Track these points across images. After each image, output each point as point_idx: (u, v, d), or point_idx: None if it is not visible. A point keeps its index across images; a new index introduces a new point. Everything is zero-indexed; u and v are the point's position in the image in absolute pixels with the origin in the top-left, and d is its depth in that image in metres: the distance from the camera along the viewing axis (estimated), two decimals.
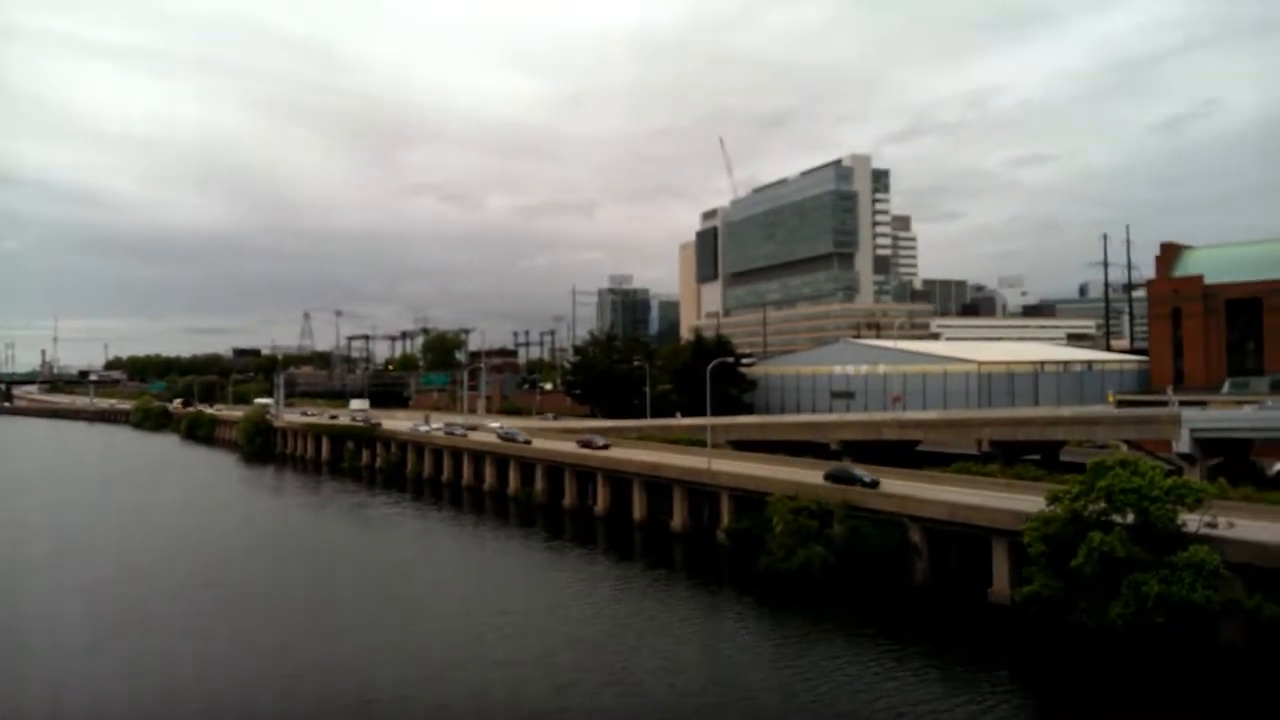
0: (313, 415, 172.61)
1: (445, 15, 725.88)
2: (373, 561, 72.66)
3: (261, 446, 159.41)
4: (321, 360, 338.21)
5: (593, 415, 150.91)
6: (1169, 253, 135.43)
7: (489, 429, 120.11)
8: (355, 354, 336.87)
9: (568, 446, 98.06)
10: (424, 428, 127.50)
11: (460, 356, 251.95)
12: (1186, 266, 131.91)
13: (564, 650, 46.53)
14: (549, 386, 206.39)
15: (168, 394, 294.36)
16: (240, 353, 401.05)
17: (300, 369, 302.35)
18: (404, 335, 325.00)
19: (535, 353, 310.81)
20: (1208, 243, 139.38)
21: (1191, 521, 44.58)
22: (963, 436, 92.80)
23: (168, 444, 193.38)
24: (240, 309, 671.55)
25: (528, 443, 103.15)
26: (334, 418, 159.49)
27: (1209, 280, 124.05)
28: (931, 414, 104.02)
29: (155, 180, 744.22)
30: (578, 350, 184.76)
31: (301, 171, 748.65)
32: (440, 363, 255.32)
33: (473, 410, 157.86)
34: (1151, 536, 43.59)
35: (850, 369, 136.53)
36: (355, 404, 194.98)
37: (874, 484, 65.87)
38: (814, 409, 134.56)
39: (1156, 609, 41.00)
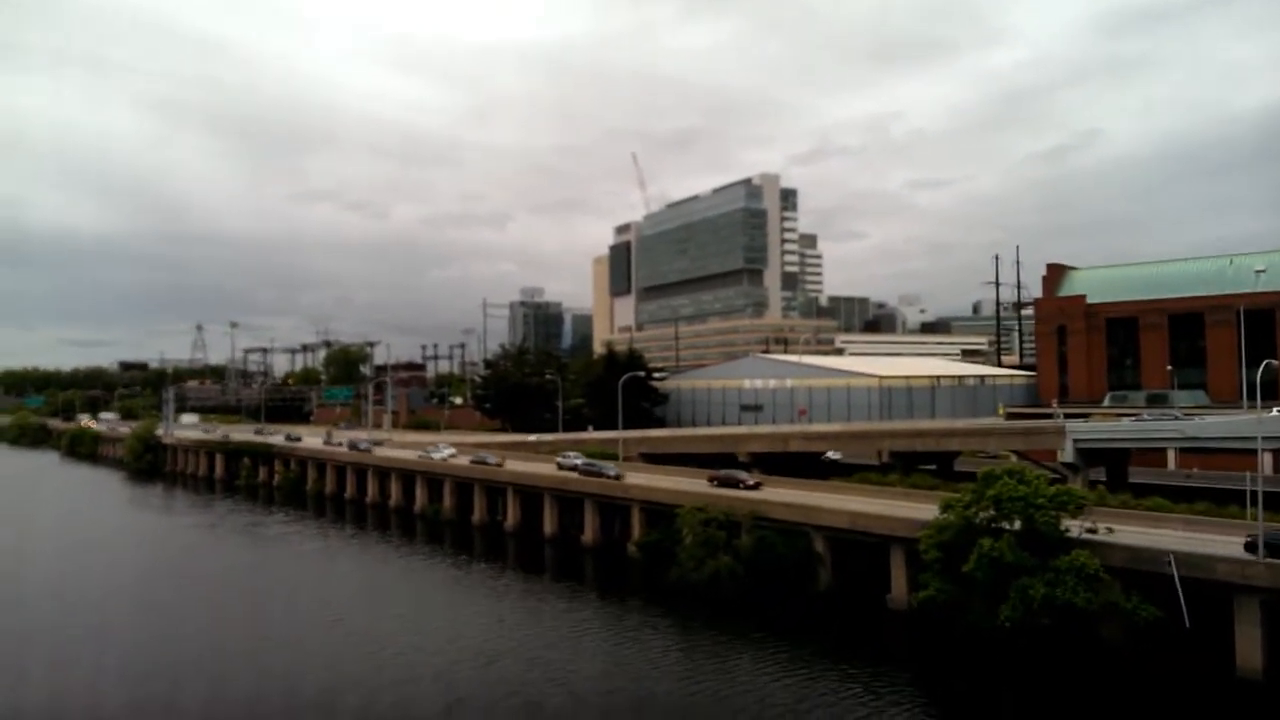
0: (208, 433, 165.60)
1: (344, 18, 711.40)
2: (265, 582, 70.07)
3: (150, 464, 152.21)
4: (216, 374, 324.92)
5: (503, 429, 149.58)
6: (1055, 274, 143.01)
7: (403, 444, 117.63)
8: (253, 367, 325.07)
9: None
10: (362, 443, 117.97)
11: (365, 370, 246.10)
12: (1071, 287, 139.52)
13: (462, 665, 45.95)
14: (458, 401, 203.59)
15: (46, 409, 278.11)
16: (127, 366, 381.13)
17: (193, 383, 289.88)
18: (305, 348, 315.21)
19: (444, 366, 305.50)
20: (1090, 264, 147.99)
21: (1074, 527, 47.14)
22: (865, 448, 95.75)
23: (46, 461, 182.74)
24: (124, 320, 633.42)
25: (500, 464, 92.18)
26: (260, 432, 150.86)
27: (1091, 300, 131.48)
28: (836, 426, 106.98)
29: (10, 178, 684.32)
30: (488, 364, 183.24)
31: (190, 175, 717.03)
32: (344, 377, 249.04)
33: (378, 425, 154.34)
34: (1037, 542, 45.89)
35: (759, 383, 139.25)
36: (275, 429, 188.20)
37: (755, 486, 70.54)
38: (724, 422, 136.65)
39: (1042, 611, 43.19)
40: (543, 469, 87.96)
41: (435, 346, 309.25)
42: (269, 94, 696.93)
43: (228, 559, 79.54)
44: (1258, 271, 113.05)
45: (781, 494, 68.24)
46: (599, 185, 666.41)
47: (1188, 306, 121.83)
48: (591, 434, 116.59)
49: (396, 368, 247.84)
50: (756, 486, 70.72)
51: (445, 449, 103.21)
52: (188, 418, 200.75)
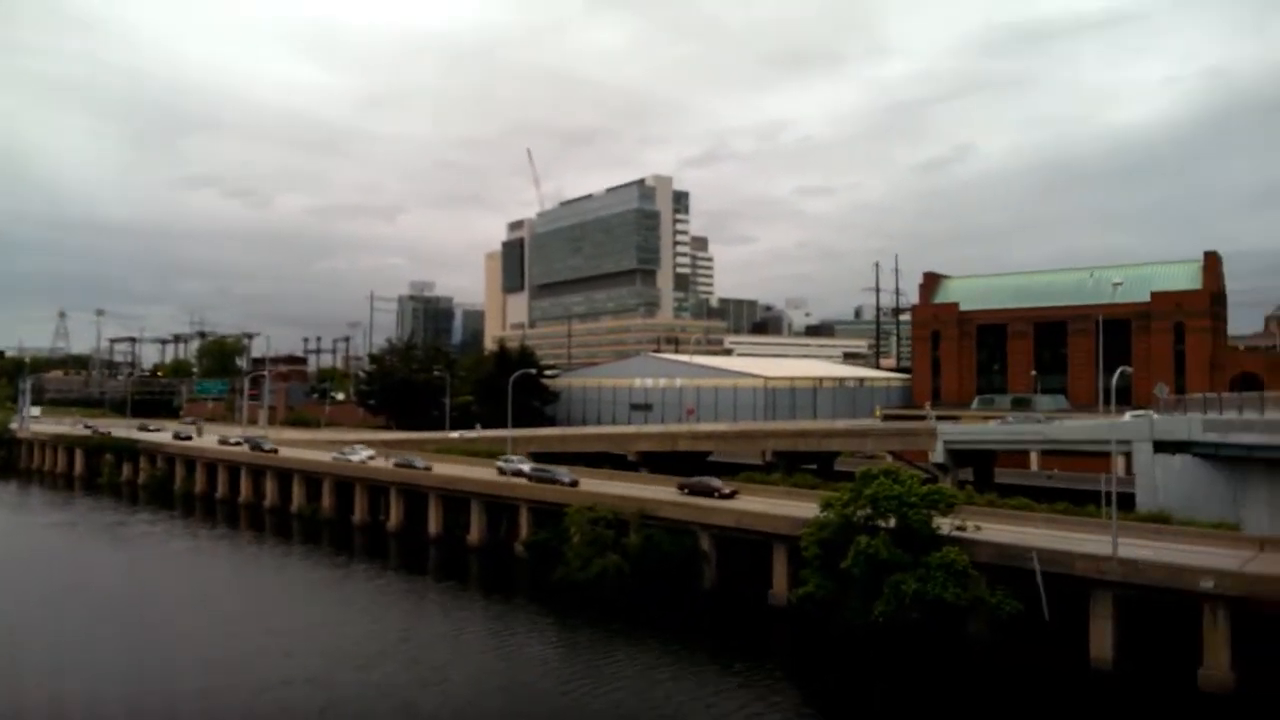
0: (72, 428, 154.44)
1: None
2: (126, 584, 65.81)
3: (3, 460, 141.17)
4: (80, 364, 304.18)
5: (388, 427, 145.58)
6: (930, 281, 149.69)
7: (293, 442, 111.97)
8: (119, 358, 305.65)
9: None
10: (266, 443, 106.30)
11: (241, 363, 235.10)
12: (946, 294, 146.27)
13: (338, 667, 44.48)
14: (341, 397, 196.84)
15: None
16: None
17: (55, 374, 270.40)
18: (177, 339, 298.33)
19: (327, 361, 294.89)
20: (964, 273, 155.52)
21: (945, 525, 49.22)
22: (750, 447, 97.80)
23: None
24: None
25: (428, 469, 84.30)
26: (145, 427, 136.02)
27: (964, 307, 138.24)
28: (722, 426, 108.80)
29: None
30: (374, 359, 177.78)
31: (52, 154, 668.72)
32: (218, 369, 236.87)
33: (253, 421, 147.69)
34: (911, 539, 47.70)
35: (649, 382, 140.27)
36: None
37: (731, 495, 65.81)
38: (614, 421, 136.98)
39: (913, 606, 44.90)
40: (475, 473, 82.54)
41: (318, 340, 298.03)
42: (153, 75, 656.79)
43: (90, 558, 74.42)
44: (1115, 284, 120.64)
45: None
46: (498, 180, 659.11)
47: (1052, 315, 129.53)
48: (480, 432, 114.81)
49: (276, 361, 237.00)
50: (732, 495, 65.85)
51: (363, 450, 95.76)
52: (39, 410, 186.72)
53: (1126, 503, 57.78)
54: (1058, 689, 42.01)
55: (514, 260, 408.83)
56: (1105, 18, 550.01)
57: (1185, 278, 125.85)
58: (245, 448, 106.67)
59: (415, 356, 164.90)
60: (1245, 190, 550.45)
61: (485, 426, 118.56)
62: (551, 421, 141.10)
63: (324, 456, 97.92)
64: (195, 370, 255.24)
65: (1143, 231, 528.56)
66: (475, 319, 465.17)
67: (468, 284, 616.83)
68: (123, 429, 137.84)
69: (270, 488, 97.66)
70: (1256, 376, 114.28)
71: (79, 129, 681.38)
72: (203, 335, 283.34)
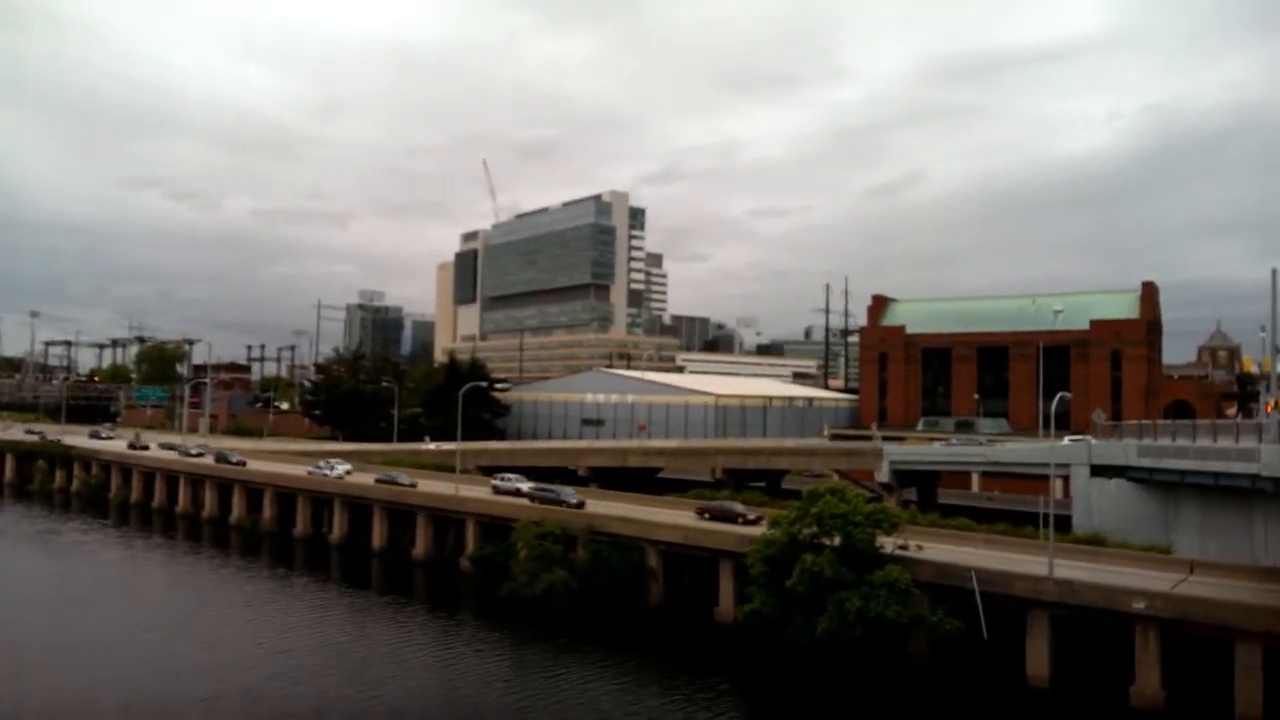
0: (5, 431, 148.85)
1: None
2: (57, 593, 63.63)
3: None
4: (12, 367, 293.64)
5: (334, 438, 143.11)
6: (879, 304, 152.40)
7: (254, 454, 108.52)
8: (54, 361, 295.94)
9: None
10: (234, 456, 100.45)
11: (182, 370, 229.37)
12: (893, 317, 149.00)
13: (276, 681, 43.54)
14: (285, 406, 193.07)
15: None
16: None
17: None
18: (115, 343, 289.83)
19: (272, 369, 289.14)
20: (912, 296, 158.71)
21: (888, 544, 49.99)
22: (700, 464, 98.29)
23: None
24: None
25: (413, 485, 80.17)
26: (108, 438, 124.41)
27: (910, 330, 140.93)
28: (673, 443, 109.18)
29: None
30: (320, 368, 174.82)
31: (16, 154, 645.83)
32: (158, 376, 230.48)
33: (193, 430, 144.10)
34: (855, 558, 48.33)
35: (601, 397, 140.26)
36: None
37: (756, 521, 60.44)
38: (565, 435, 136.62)
39: (856, 624, 45.47)
40: (469, 492, 77.70)
41: (263, 348, 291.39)
42: (105, 72, 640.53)
43: (17, 567, 71.70)
44: (1056, 311, 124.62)
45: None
46: (453, 191, 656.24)
47: (994, 341, 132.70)
48: (428, 445, 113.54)
49: (218, 368, 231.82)
50: (757, 521, 59.62)
51: (340, 465, 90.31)
52: None
53: (1064, 524, 59.30)
54: (995, 706, 42.85)
55: (467, 271, 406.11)
56: (1054, 53, 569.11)
57: (1123, 307, 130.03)
58: (209, 459, 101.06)
59: (363, 367, 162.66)
60: (1181, 223, 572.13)
61: (434, 439, 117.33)
62: (502, 435, 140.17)
63: (298, 470, 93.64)
64: (134, 376, 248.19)
65: (1083, 261, 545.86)
66: (426, 330, 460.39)
67: (419, 294, 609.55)
68: (74, 436, 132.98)
69: (209, 498, 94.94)
70: (1189, 404, 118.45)
71: (29, 128, 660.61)
72: (141, 340, 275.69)
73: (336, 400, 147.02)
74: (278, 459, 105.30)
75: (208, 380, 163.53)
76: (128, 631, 53.19)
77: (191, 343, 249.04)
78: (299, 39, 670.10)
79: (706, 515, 64.25)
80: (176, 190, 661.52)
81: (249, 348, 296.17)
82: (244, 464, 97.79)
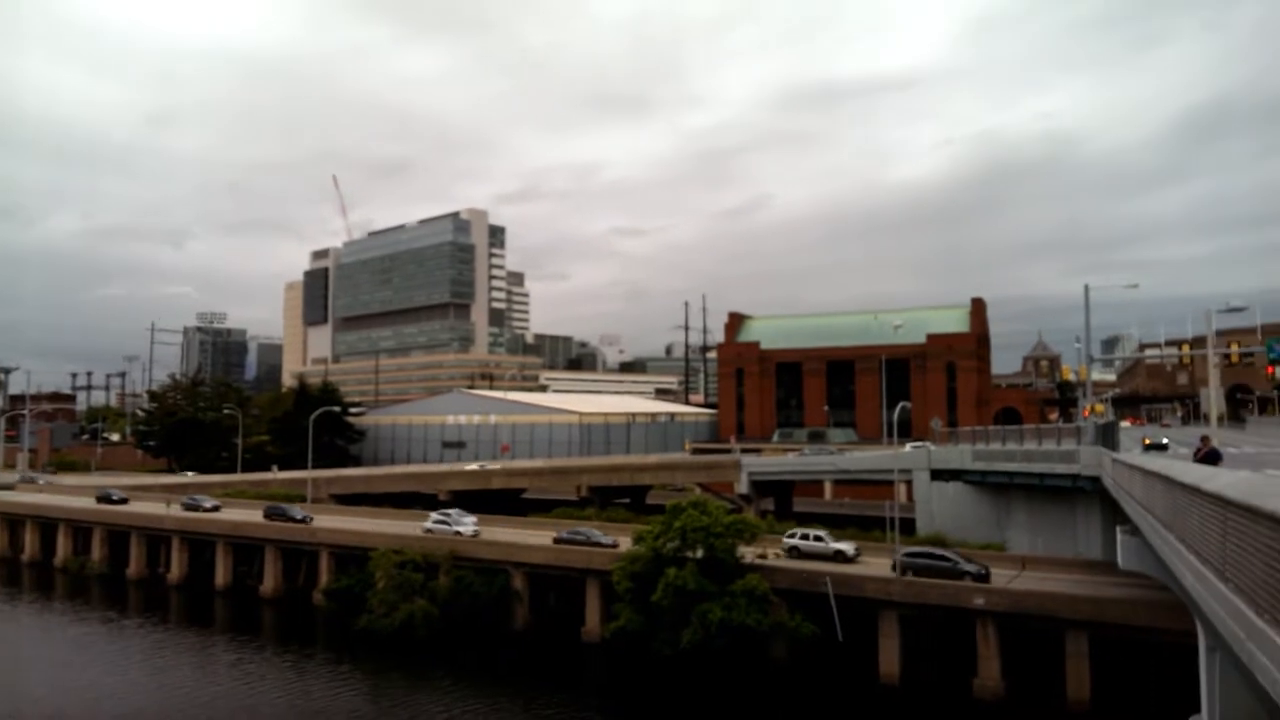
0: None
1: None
2: None
3: None
4: None
5: (170, 470, 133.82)
6: (735, 321, 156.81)
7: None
8: None
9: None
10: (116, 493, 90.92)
11: None
12: (748, 334, 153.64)
13: None
14: (116, 438, 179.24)
15: None
16: None
17: None
18: None
19: (100, 398, 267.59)
20: (765, 313, 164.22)
21: (748, 554, 51.35)
22: (565, 483, 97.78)
23: None
24: None
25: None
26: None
27: (764, 346, 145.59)
28: (538, 463, 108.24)
29: None
30: (154, 396, 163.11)
31: None
32: None
33: (10, 465, 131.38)
34: (717, 569, 49.36)
35: (463, 419, 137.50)
36: None
37: (613, 545, 58.95)
38: (425, 459, 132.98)
39: (719, 633, 46.40)
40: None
41: (89, 375, 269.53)
42: None
43: None
44: (896, 326, 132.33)
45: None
46: (301, 209, 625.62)
47: (842, 355, 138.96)
48: (276, 474, 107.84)
49: (38, 398, 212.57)
50: (614, 546, 58.34)
51: (207, 501, 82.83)
52: None
53: (909, 527, 62.60)
54: (848, 705, 44.61)
55: (317, 291, 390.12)
56: (891, 83, 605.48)
57: (955, 321, 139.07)
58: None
59: (203, 393, 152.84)
60: (1005, 242, 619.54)
61: (283, 468, 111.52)
62: (357, 461, 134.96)
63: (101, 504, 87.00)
64: None
65: (923, 278, 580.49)
66: (272, 353, 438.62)
67: (265, 316, 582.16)
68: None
69: (29, 540, 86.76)
70: (1016, 410, 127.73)
71: None
72: None
73: (173, 430, 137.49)
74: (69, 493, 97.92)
75: (26, 411, 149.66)
76: None
77: (8, 370, 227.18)
78: (128, 43, 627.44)
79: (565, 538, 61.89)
80: None
81: (74, 375, 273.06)
82: (126, 501, 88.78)
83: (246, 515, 78.53)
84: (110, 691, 47.60)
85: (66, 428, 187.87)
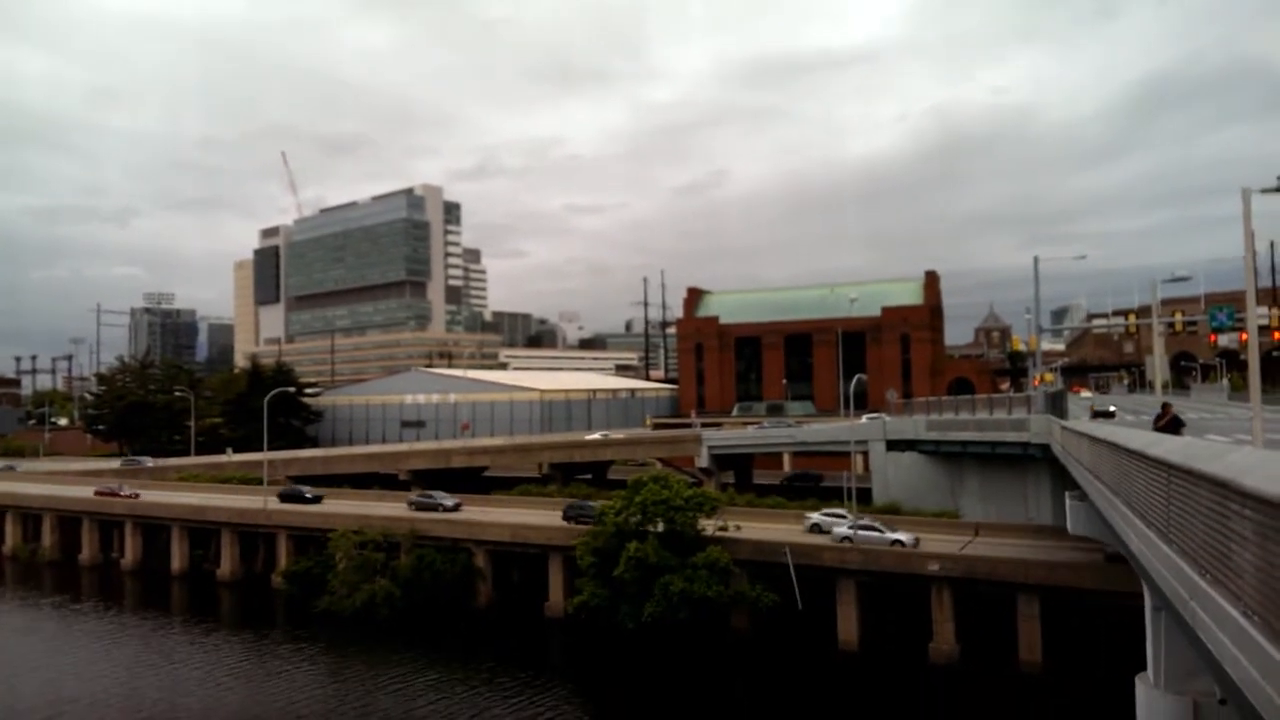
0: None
1: None
2: None
3: None
4: None
5: (120, 454, 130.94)
6: (693, 296, 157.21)
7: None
8: None
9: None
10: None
11: None
12: (707, 309, 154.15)
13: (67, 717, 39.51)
14: (64, 422, 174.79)
15: None
16: None
17: None
18: None
19: (47, 382, 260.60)
20: (724, 288, 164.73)
21: (709, 526, 51.88)
22: (526, 460, 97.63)
23: None
24: None
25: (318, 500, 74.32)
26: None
27: (723, 321, 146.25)
28: (498, 440, 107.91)
29: None
30: (102, 379, 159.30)
31: None
32: None
33: None
34: (678, 542, 49.86)
35: (421, 398, 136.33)
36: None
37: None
38: (384, 439, 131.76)
39: (680, 605, 46.96)
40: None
41: (34, 359, 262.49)
42: None
43: None
44: (852, 300, 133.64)
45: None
46: (250, 186, 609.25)
47: (799, 328, 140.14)
48: (230, 457, 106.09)
49: None
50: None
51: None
52: None
53: (865, 496, 63.68)
54: (808, 672, 45.48)
55: (268, 270, 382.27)
56: (849, 58, 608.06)
57: (909, 294, 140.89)
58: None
59: (153, 376, 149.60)
60: (959, 216, 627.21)
61: (237, 450, 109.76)
62: (314, 442, 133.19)
63: (82, 492, 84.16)
64: None
65: (874, 251, 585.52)
66: (223, 334, 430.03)
67: (215, 296, 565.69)
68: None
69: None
70: (969, 381, 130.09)
71: None
72: None
73: (123, 413, 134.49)
74: (57, 480, 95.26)
75: None
76: None
77: None
78: (77, 16, 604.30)
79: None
80: None
81: (18, 359, 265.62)
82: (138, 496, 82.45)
83: (250, 501, 76.18)
84: (68, 673, 46.76)
85: (12, 413, 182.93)
